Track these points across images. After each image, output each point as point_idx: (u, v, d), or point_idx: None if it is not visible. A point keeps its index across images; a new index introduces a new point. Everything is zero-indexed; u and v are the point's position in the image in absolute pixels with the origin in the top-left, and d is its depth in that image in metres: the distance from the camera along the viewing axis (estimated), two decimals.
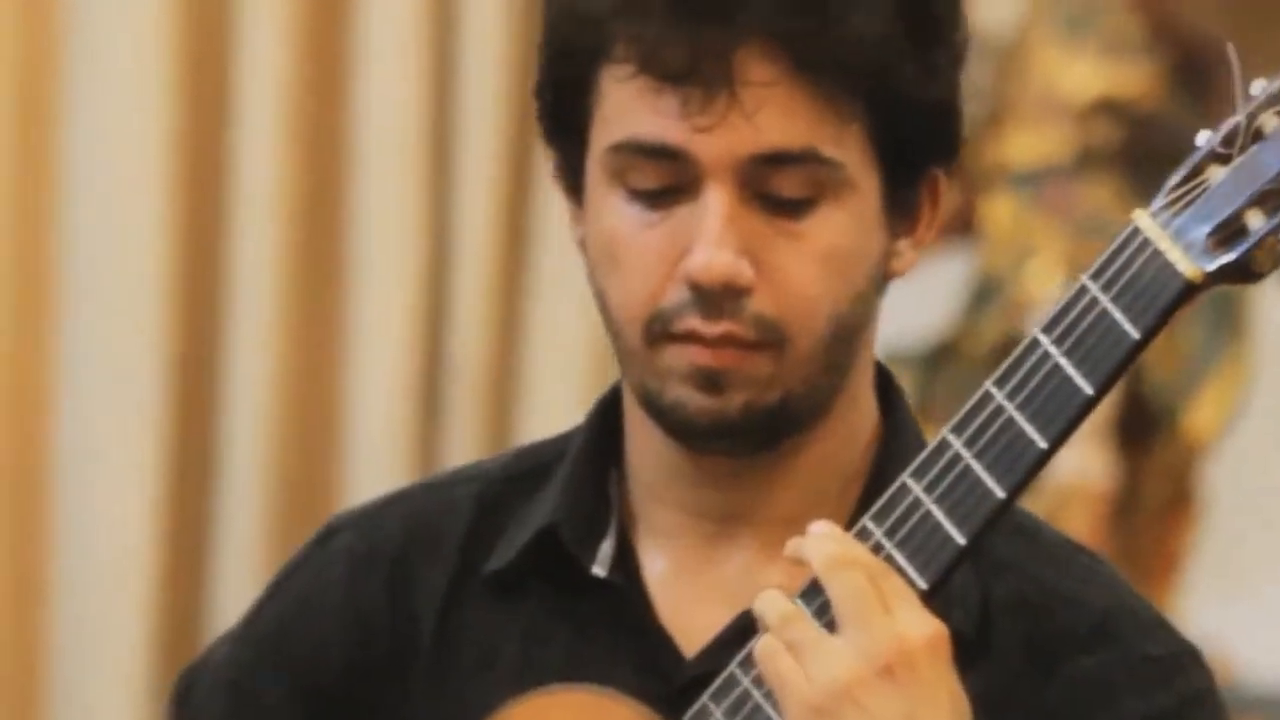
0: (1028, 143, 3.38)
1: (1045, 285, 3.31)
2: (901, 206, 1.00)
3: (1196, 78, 3.42)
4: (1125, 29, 3.45)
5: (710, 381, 0.96)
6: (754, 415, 0.97)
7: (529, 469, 1.07)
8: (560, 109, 1.01)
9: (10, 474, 3.28)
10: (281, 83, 3.32)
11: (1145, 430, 3.30)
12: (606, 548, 1.02)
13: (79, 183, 3.30)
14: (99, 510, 3.30)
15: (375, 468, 3.30)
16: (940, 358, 3.28)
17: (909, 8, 0.96)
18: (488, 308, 3.36)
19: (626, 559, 1.02)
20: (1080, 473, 3.14)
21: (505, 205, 3.35)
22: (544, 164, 3.55)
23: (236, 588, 3.26)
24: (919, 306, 2.87)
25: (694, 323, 0.95)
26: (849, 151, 0.96)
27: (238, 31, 3.33)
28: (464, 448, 3.32)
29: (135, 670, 3.27)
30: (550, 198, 3.31)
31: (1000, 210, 3.37)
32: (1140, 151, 3.41)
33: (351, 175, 3.36)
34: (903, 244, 1.01)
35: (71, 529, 3.31)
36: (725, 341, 0.95)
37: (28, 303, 3.30)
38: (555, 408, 3.28)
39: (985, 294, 3.34)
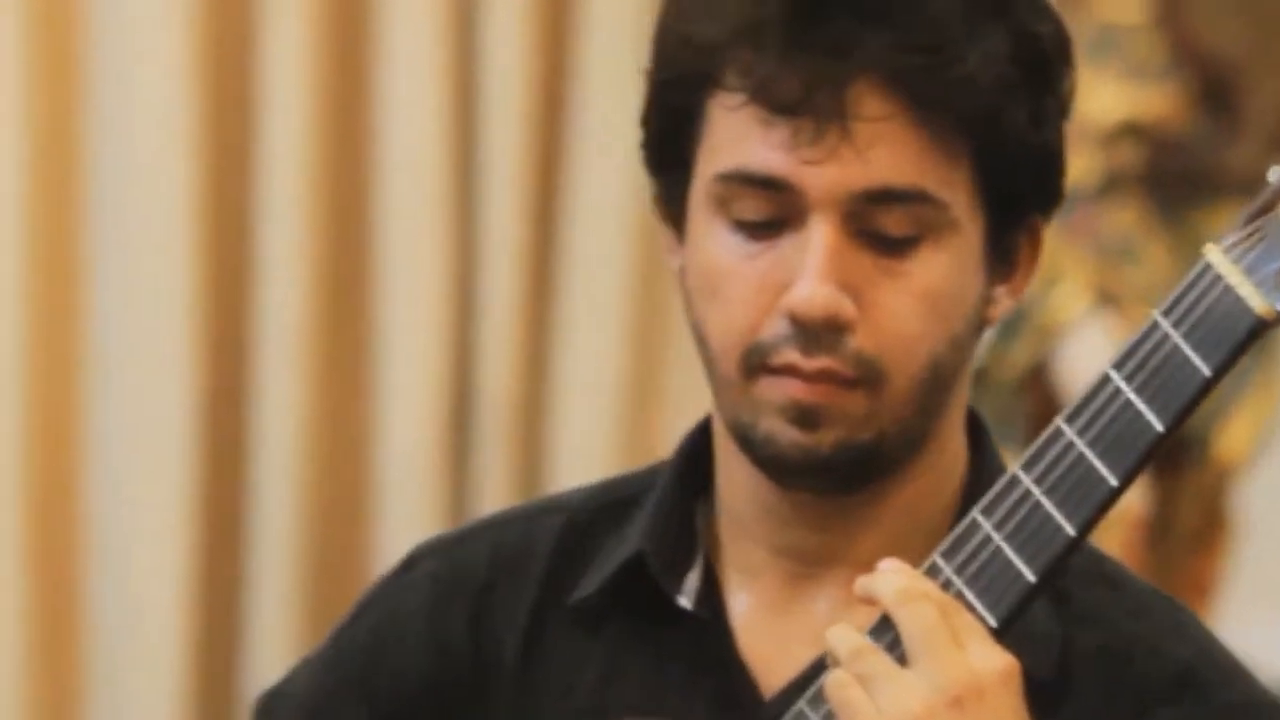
0: None
1: (1071, 310, 3.31)
2: (1002, 253, 1.00)
3: (1220, 100, 3.42)
4: (1148, 52, 3.45)
5: (805, 417, 0.95)
6: (846, 453, 0.96)
7: (616, 500, 1.07)
8: (666, 137, 1.00)
9: (39, 511, 3.29)
10: (306, 110, 3.33)
11: (1177, 455, 3.29)
12: (692, 580, 1.02)
13: (104, 217, 3.31)
14: (129, 547, 3.30)
15: (405, 500, 3.30)
16: (970, 384, 3.28)
17: (1024, 53, 0.96)
18: (516, 338, 3.35)
19: (712, 593, 1.02)
20: None
21: (533, 234, 3.35)
22: (571, 193, 3.57)
23: (270, 620, 3.26)
24: None
25: (792, 357, 0.95)
26: (956, 193, 0.96)
27: (261, 60, 3.34)
28: (494, 479, 3.32)
29: (169, 711, 3.27)
30: (579, 226, 3.32)
31: None
32: (1164, 174, 3.41)
33: (377, 205, 3.36)
34: (1000, 291, 1.01)
35: (102, 569, 3.30)
36: (823, 377, 0.95)
37: (54, 341, 3.31)
38: (585, 438, 3.28)
39: (1013, 320, 3.34)
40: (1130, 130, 3.43)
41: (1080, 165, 3.39)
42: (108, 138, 3.32)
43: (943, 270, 0.96)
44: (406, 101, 3.36)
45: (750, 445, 0.98)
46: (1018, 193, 0.99)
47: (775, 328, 0.95)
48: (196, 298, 3.30)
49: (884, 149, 0.94)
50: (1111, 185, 3.40)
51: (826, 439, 0.96)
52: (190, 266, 3.30)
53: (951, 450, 1.03)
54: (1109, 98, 3.41)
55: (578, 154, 3.26)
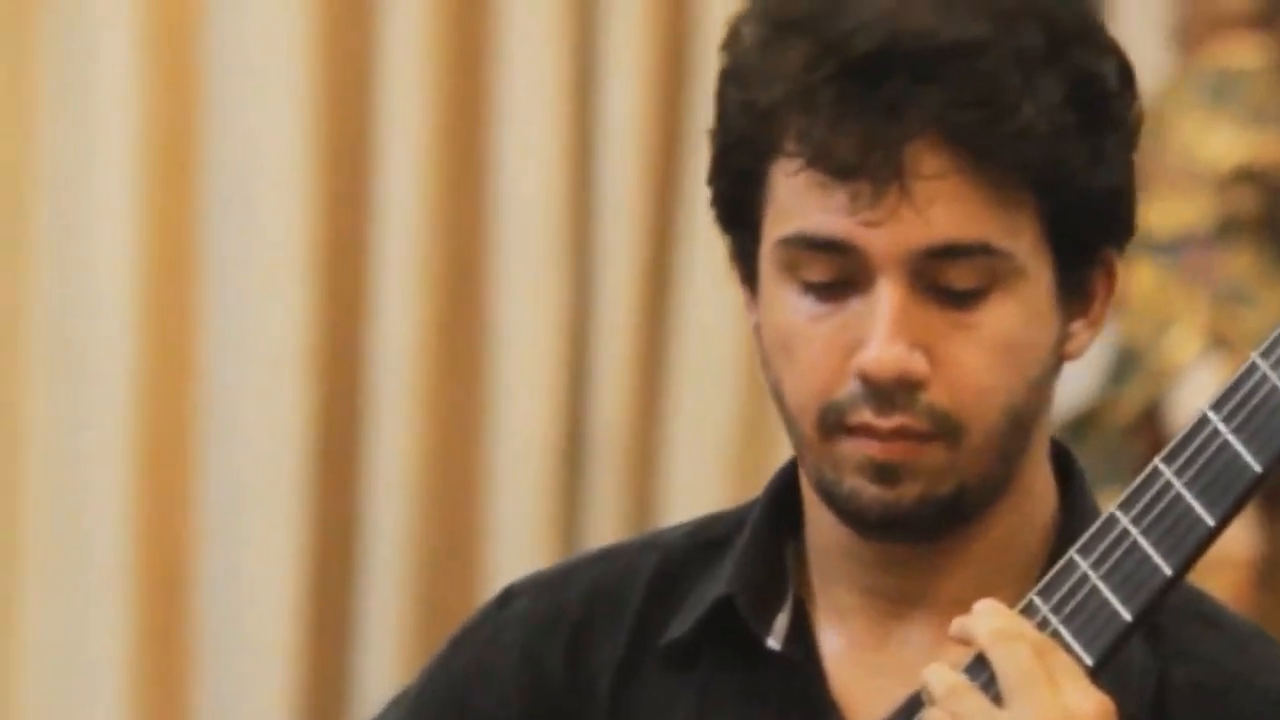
0: (1168, 211, 3.36)
1: (1185, 354, 3.29)
2: (1075, 289, 0.99)
3: None
4: (1265, 97, 3.43)
5: (885, 474, 0.96)
6: (928, 506, 0.96)
7: (710, 539, 1.07)
8: (733, 199, 1.01)
9: (153, 552, 3.33)
10: (423, 156, 3.35)
11: None
12: (782, 621, 1.02)
13: (222, 250, 3.36)
14: (241, 580, 3.33)
15: (518, 534, 3.31)
16: (1082, 426, 3.26)
17: (1082, 96, 0.96)
18: (630, 374, 3.37)
19: (802, 633, 1.02)
20: (1221, 541, 3.11)
21: (648, 271, 3.37)
22: (686, 230, 3.58)
23: (380, 654, 3.28)
24: (1061, 376, 2.85)
25: (867, 416, 0.95)
26: (1020, 240, 0.96)
27: (378, 97, 3.37)
28: (606, 514, 3.33)
29: None
30: (691, 265, 3.32)
31: (1141, 279, 3.35)
32: None
33: (492, 244, 3.38)
34: (1077, 325, 1.01)
35: (213, 601, 3.35)
36: (899, 434, 0.95)
37: (169, 366, 3.36)
38: (697, 475, 3.29)
39: (1126, 363, 3.32)
40: (1247, 175, 3.41)
41: (1196, 209, 3.38)
42: (225, 173, 3.36)
43: (1013, 319, 0.96)
44: (524, 138, 3.38)
45: (833, 501, 0.98)
46: (1085, 231, 0.98)
47: (849, 388, 0.96)
48: (311, 333, 3.34)
49: (944, 205, 0.94)
50: (1227, 229, 3.38)
51: (908, 494, 0.96)
52: (306, 303, 3.35)
53: (1037, 489, 1.03)
54: (1226, 142, 3.40)
55: (693, 192, 3.27)
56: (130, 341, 3.31)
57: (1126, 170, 0.99)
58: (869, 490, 0.96)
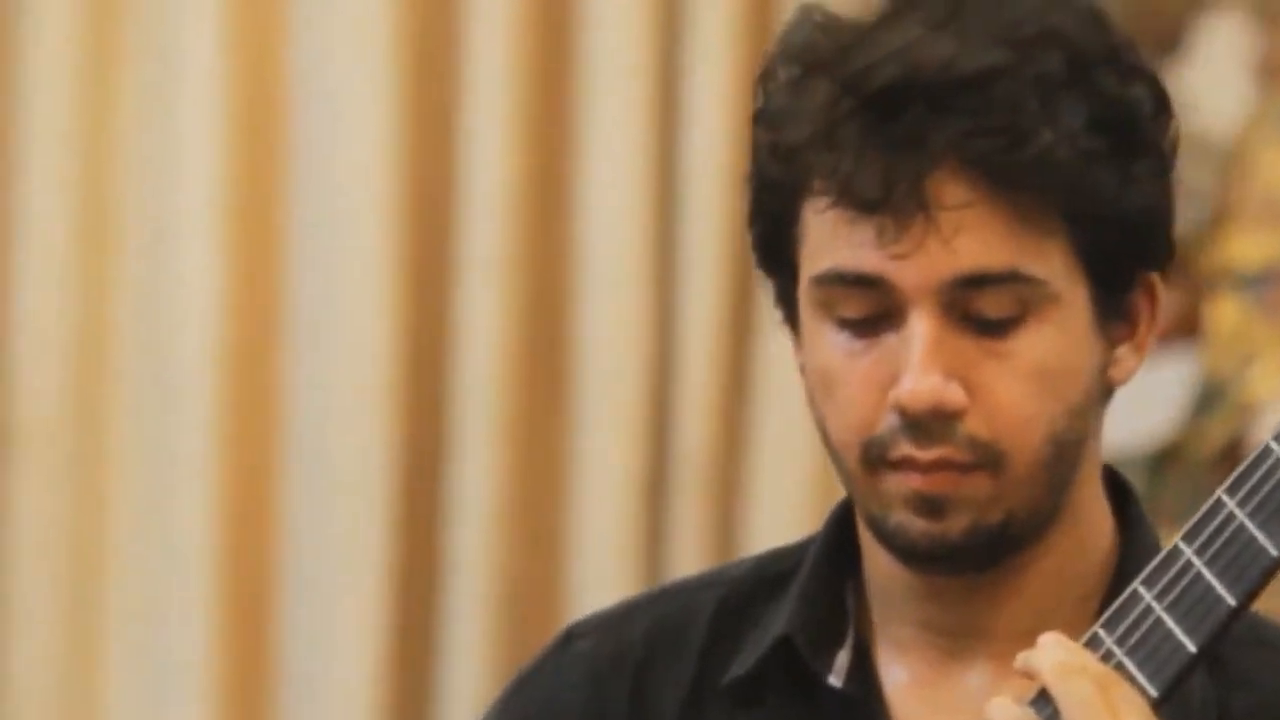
0: (1251, 244, 3.33)
1: (1269, 388, 3.26)
2: (1115, 313, 0.99)
3: None
4: None
5: (930, 506, 0.96)
6: (977, 537, 0.97)
7: (770, 576, 1.08)
8: (769, 242, 1.02)
9: (237, 582, 3.36)
10: (507, 190, 3.35)
11: None
12: (843, 658, 1.03)
13: (307, 288, 3.39)
14: (326, 615, 3.35)
15: (602, 568, 3.29)
16: (1165, 460, 3.24)
17: (1107, 120, 0.96)
18: (714, 402, 3.37)
19: (863, 670, 1.03)
20: None
21: (731, 298, 3.37)
22: None
23: (465, 688, 3.27)
24: (1144, 409, 2.84)
25: (908, 449, 0.96)
26: (1051, 266, 0.96)
27: (463, 128, 3.39)
28: (690, 546, 3.31)
29: None
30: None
31: (1224, 313, 3.33)
32: None
33: (576, 276, 3.37)
34: (1122, 350, 1.01)
35: (299, 631, 3.37)
36: (940, 466, 0.96)
37: (255, 415, 3.38)
38: (781, 505, 3.28)
39: (1210, 397, 3.30)
40: None
41: (1276, 242, 3.35)
42: (310, 202, 3.36)
43: (1049, 345, 0.96)
44: (609, 171, 3.38)
45: (882, 535, 0.99)
46: (1119, 255, 0.98)
47: (888, 422, 0.96)
48: (396, 364, 3.36)
49: (971, 235, 0.94)
50: None
51: (955, 526, 0.96)
52: (391, 333, 3.36)
53: (1091, 517, 1.03)
54: None
55: None
56: (215, 370, 3.32)
57: (1161, 193, 0.99)
58: (916, 524, 0.96)
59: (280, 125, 3.40)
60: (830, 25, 0.99)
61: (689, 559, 3.30)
